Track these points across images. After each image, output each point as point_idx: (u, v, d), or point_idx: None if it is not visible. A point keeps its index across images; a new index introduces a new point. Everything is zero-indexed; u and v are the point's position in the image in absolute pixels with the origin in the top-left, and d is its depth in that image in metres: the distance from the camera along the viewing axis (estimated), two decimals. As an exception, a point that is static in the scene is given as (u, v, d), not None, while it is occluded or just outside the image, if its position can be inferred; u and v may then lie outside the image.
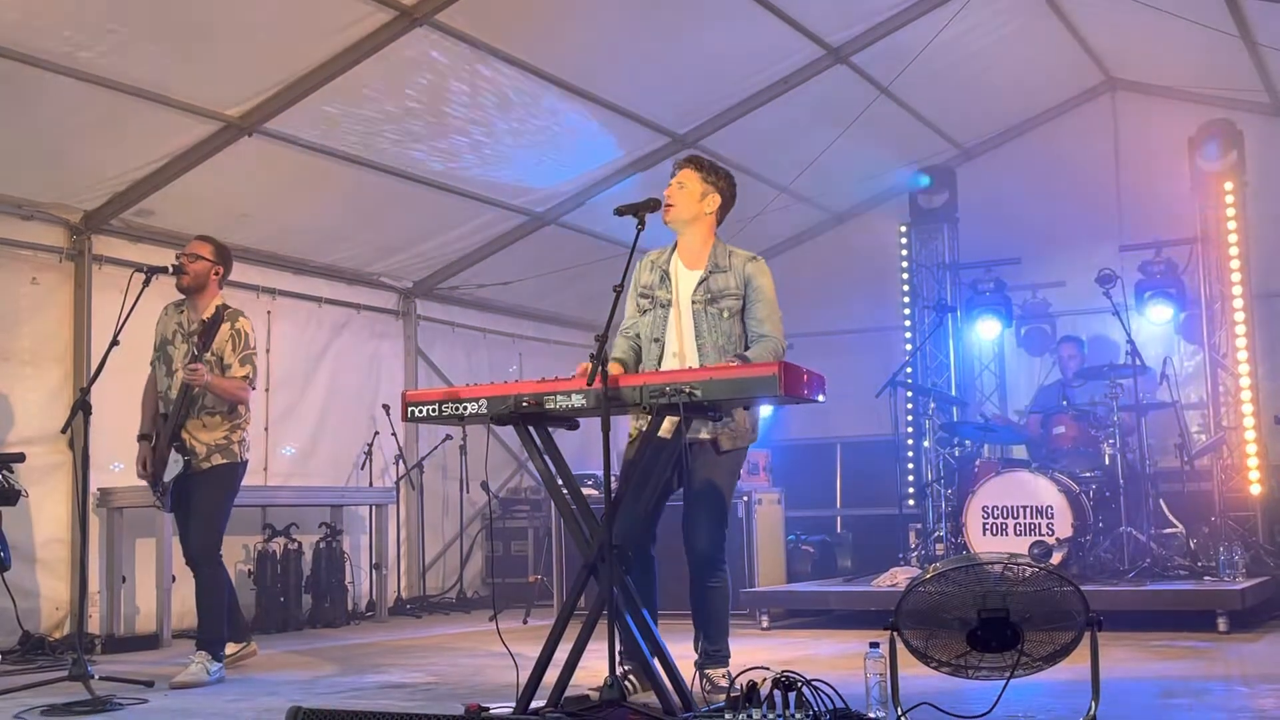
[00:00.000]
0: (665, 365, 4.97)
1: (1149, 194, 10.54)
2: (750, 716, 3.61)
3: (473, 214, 9.77)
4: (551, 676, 4.31)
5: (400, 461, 10.24)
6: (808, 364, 4.43)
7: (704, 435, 4.89)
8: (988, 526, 8.28)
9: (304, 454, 9.57)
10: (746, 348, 4.98)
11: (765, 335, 4.98)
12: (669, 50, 8.51)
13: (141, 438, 6.17)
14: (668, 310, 5.04)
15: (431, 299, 10.81)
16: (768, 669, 3.86)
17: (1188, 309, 10.08)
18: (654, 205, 4.87)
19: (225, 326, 6.06)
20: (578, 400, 4.37)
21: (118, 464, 7.79)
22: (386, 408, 9.91)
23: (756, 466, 9.28)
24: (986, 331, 10.84)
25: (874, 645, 4.11)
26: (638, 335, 5.13)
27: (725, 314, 4.97)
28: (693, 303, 5.00)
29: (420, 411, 4.66)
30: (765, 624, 8.11)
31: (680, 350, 4.98)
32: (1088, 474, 8.52)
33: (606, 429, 4.20)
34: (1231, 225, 9.65)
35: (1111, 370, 8.83)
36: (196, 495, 5.98)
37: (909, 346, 11.08)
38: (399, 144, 8.56)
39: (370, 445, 10.01)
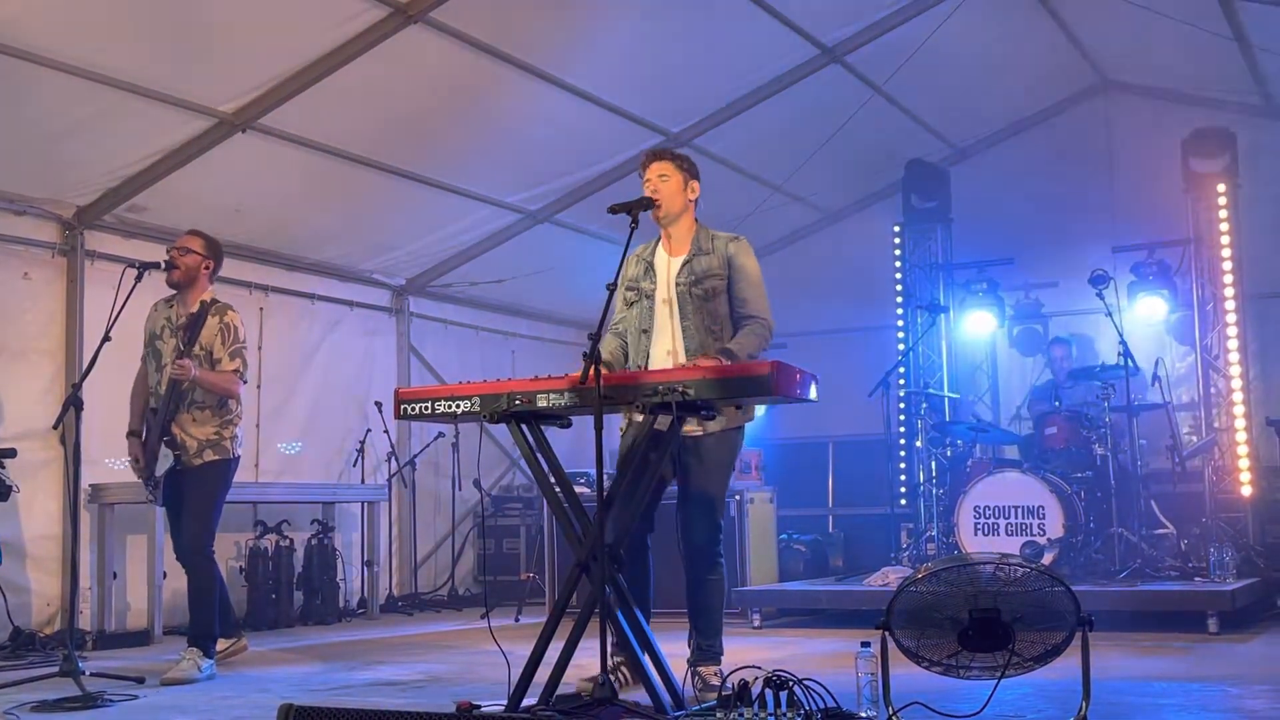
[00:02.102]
0: (658, 362, 4.97)
1: (1142, 195, 10.54)
2: (742, 715, 3.61)
3: (466, 211, 9.77)
4: (543, 675, 4.31)
5: (392, 459, 10.23)
6: (800, 363, 4.43)
7: (691, 429, 4.88)
8: (979, 526, 8.29)
9: (296, 451, 9.55)
10: (734, 328, 4.98)
11: (750, 316, 4.99)
12: (664, 49, 8.50)
13: (130, 434, 6.17)
14: (653, 300, 5.05)
15: (424, 296, 10.81)
16: (759, 668, 3.87)
17: (1180, 310, 10.09)
18: (647, 204, 4.91)
19: (213, 320, 6.05)
20: (570, 398, 4.37)
21: (116, 463, 7.77)
22: (379, 405, 9.89)
23: (749, 465, 9.29)
24: (978, 326, 10.84)
25: (865, 644, 4.11)
26: (625, 330, 5.13)
27: (709, 295, 4.98)
28: (676, 285, 5.01)
29: (413, 409, 4.66)
30: (757, 623, 8.11)
31: (673, 347, 4.98)
32: (1079, 475, 8.53)
33: (599, 427, 4.20)
34: (1224, 227, 9.66)
35: (1104, 371, 8.84)
36: (189, 491, 5.98)
37: (901, 346, 11.09)
38: (393, 141, 8.55)
39: (362, 442, 10.00)
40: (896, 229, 11.46)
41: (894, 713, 4.09)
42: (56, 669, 5.49)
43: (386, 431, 10.10)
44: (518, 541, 10.82)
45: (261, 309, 9.17)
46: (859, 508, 11.31)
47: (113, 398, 6.80)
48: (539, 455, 4.55)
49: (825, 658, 6.30)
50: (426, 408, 4.64)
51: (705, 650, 4.99)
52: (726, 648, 5.10)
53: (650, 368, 4.97)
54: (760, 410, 9.68)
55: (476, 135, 8.78)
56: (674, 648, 4.81)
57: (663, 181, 5.06)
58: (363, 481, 9.95)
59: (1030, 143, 11.44)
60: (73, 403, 5.66)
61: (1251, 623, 7.54)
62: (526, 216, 10.13)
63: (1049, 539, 8.07)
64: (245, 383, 6.19)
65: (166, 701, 5.23)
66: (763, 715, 3.61)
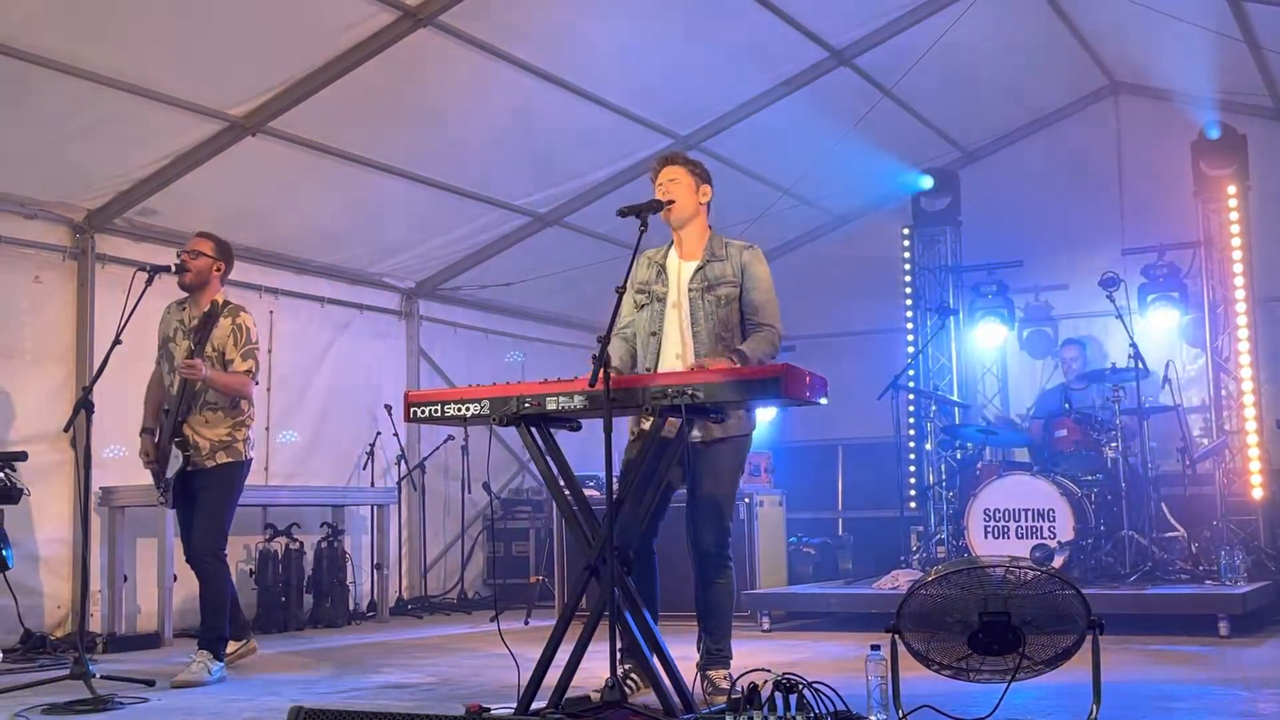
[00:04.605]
0: (667, 365, 4.98)
1: (1152, 197, 10.56)
2: (751, 718, 3.61)
3: (475, 215, 9.78)
4: (552, 678, 4.31)
5: (402, 461, 10.24)
6: (810, 366, 4.43)
7: (697, 435, 4.89)
8: (989, 529, 8.28)
9: (306, 454, 9.57)
10: (744, 335, 4.99)
11: (762, 324, 5.00)
12: (672, 52, 8.51)
13: (143, 432, 6.19)
14: (664, 304, 5.06)
15: (434, 299, 10.82)
16: (769, 671, 3.86)
17: (1190, 312, 10.08)
18: (657, 206, 4.91)
19: (226, 321, 6.07)
20: (579, 401, 4.37)
21: (119, 450, 7.79)
22: (388, 408, 9.91)
23: (758, 469, 9.28)
24: (989, 338, 10.85)
25: (875, 648, 4.11)
26: (634, 334, 5.14)
27: (722, 301, 4.99)
28: (689, 290, 5.02)
29: (422, 412, 4.66)
30: (766, 626, 8.11)
31: (683, 351, 4.99)
32: (1089, 477, 8.51)
33: (608, 430, 4.20)
34: (1235, 229, 9.65)
35: (1114, 373, 8.83)
36: (201, 494, 5.98)
37: (911, 349, 11.08)
38: (402, 144, 8.56)
39: (372, 445, 10.01)
40: (906, 231, 11.46)
41: (904, 716, 4.09)
42: (67, 671, 5.49)
43: (396, 434, 10.12)
44: (527, 544, 10.82)
45: (271, 312, 9.17)
46: (868, 510, 11.30)
47: (123, 401, 6.82)
48: (548, 458, 4.55)
49: (835, 661, 6.30)
50: (436, 411, 4.64)
51: (714, 653, 4.98)
52: (736, 651, 5.09)
53: (660, 371, 4.97)
54: (771, 413, 9.74)
55: (486, 138, 8.79)
56: (683, 651, 4.81)
57: (674, 185, 5.07)
58: (372, 484, 9.95)
59: (1040, 145, 11.44)
60: (83, 406, 5.67)
61: (1263, 626, 7.51)
62: (536, 219, 10.14)
63: (1059, 542, 8.05)
64: (257, 383, 6.20)
65: (177, 704, 5.24)
66: (772, 718, 3.60)
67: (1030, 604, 3.98)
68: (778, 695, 3.65)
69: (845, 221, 12.20)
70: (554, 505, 8.63)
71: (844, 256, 11.98)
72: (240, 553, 8.82)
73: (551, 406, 4.41)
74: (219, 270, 6.20)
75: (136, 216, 8.20)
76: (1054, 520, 8.11)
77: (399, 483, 10.21)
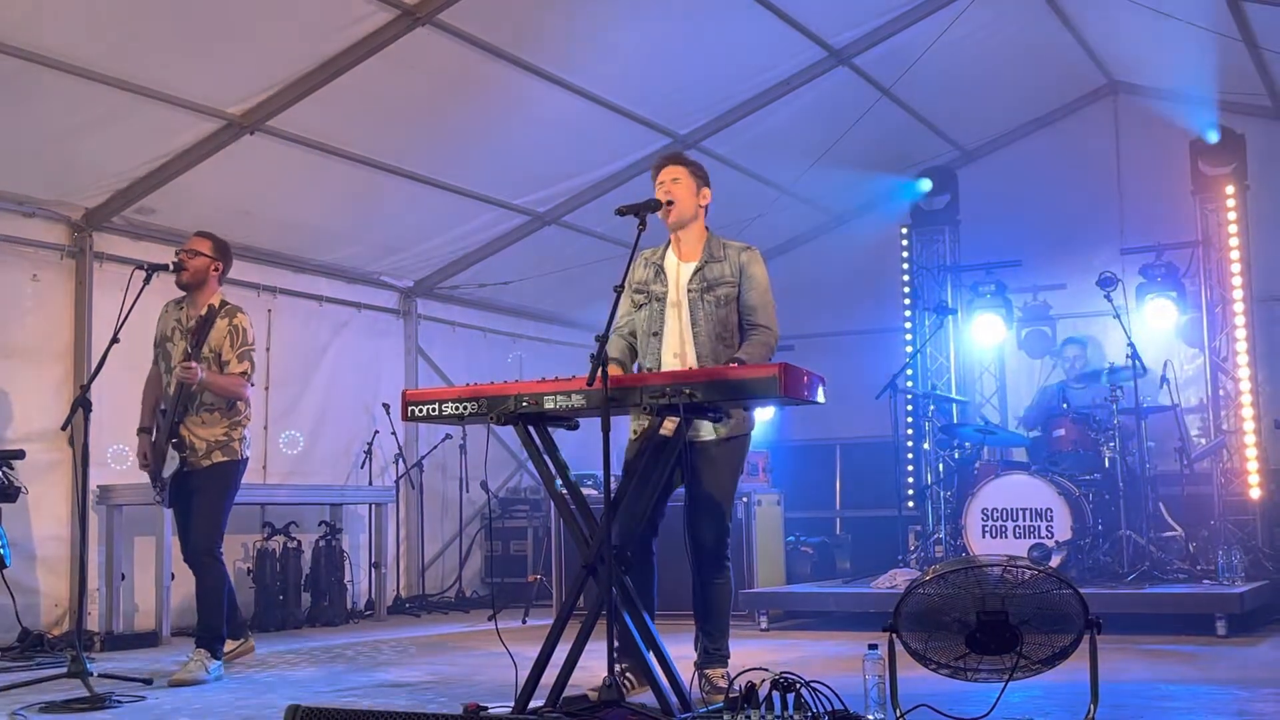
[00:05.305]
0: (666, 365, 4.98)
1: (1150, 197, 10.56)
2: (749, 718, 3.61)
3: (474, 214, 9.77)
4: (550, 676, 4.31)
5: (400, 460, 10.24)
6: (808, 365, 4.43)
7: (703, 435, 4.90)
8: (987, 529, 8.28)
9: (304, 452, 9.57)
10: (741, 336, 4.99)
11: (757, 325, 5.01)
12: (671, 51, 8.51)
13: (141, 431, 6.19)
14: (664, 304, 5.06)
15: (432, 298, 10.81)
16: (766, 670, 3.86)
17: (1188, 312, 10.08)
18: (655, 205, 4.90)
19: (223, 323, 6.06)
20: (577, 400, 4.37)
21: (121, 448, 7.79)
22: (386, 406, 9.91)
23: (756, 468, 9.28)
24: (987, 336, 10.85)
25: (873, 647, 4.11)
26: (632, 332, 5.14)
27: (720, 302, 4.99)
28: (688, 291, 5.02)
29: (420, 410, 4.66)
30: (764, 625, 8.11)
31: (681, 351, 4.99)
32: (1087, 477, 8.52)
33: (606, 429, 4.20)
34: (1233, 229, 9.66)
35: (1112, 373, 8.84)
36: (197, 493, 5.98)
37: (909, 349, 11.08)
38: (401, 143, 8.56)
39: (370, 444, 10.01)
40: (904, 231, 11.46)
41: (901, 715, 4.09)
42: (64, 670, 5.49)
43: (394, 433, 10.12)
44: (525, 543, 10.82)
45: (270, 310, 9.18)
46: (866, 510, 11.31)
47: (121, 399, 6.82)
48: (546, 457, 4.55)
49: (832, 660, 6.30)
50: (434, 409, 4.64)
51: (712, 652, 4.99)
52: (733, 650, 5.09)
53: (659, 371, 4.98)
54: (770, 413, 9.73)
55: (484, 137, 8.79)
56: (681, 650, 4.81)
57: (675, 185, 5.07)
58: (370, 483, 9.95)
59: (1038, 144, 11.45)
60: (81, 404, 5.67)
61: (1260, 626, 7.52)
62: (534, 219, 10.14)
63: (1057, 541, 8.06)
64: (253, 385, 6.20)
65: (174, 702, 5.23)
66: (769, 717, 3.60)
67: (1028, 603, 3.98)
68: (775, 694, 3.64)
69: (844, 221, 12.20)
70: (552, 504, 8.64)
71: (843, 256, 11.98)
72: (238, 551, 8.82)
73: (549, 405, 4.41)
74: (217, 270, 6.19)
75: (135, 215, 8.19)
76: (1052, 520, 8.12)
77: (397, 481, 10.21)
